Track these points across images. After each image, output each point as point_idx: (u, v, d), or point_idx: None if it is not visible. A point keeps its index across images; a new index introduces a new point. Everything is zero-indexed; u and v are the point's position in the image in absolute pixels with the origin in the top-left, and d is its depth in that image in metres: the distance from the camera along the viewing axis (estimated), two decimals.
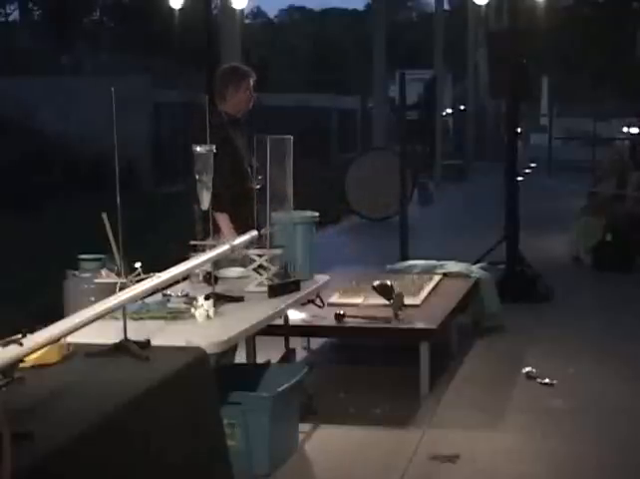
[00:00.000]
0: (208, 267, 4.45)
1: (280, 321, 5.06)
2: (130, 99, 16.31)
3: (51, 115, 20.56)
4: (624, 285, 9.24)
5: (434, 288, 6.68)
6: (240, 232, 4.90)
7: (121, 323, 3.49)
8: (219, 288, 4.50)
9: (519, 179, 9.52)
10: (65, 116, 20.71)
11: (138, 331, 3.62)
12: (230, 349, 4.65)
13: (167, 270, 3.79)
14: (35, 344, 2.86)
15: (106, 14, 39.14)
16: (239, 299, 4.44)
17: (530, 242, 10.19)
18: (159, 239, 10.46)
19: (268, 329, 4.51)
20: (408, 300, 6.07)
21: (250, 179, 5.28)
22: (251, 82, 5.60)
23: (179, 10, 19.06)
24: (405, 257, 8.92)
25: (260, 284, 4.69)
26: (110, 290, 3.47)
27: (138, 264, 3.57)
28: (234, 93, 5.56)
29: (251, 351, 5.43)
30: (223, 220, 5.26)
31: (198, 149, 4.30)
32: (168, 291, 4.41)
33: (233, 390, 4.28)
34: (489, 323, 7.32)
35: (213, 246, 4.37)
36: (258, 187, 5.06)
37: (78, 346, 3.43)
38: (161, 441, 3.09)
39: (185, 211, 5.42)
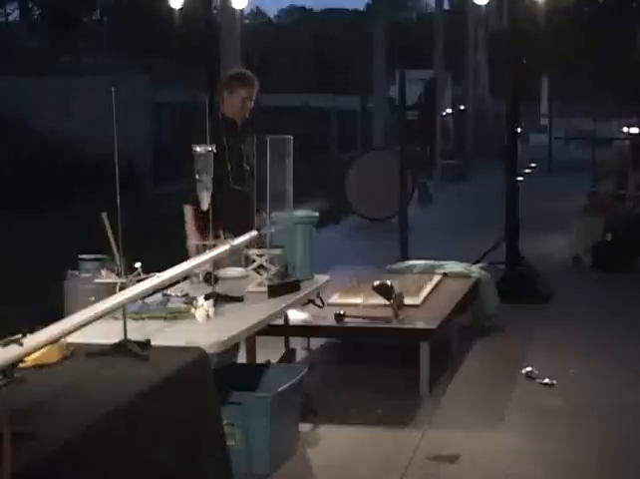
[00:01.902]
0: (208, 267, 4.46)
1: (280, 321, 5.06)
2: (129, 99, 16.30)
3: (51, 115, 20.53)
4: (624, 285, 9.24)
5: (434, 288, 6.68)
6: (231, 232, 5.02)
7: (121, 323, 3.49)
8: (219, 288, 4.50)
9: (519, 179, 9.52)
10: (65, 116, 20.69)
11: (138, 331, 3.62)
12: (232, 349, 4.66)
13: (167, 270, 3.79)
14: (35, 344, 2.86)
15: (106, 14, 39.14)
16: (239, 299, 4.45)
17: (530, 243, 10.19)
18: (158, 240, 10.46)
19: (268, 329, 4.51)
20: (408, 300, 6.07)
21: (232, 181, 5.36)
22: (247, 91, 5.61)
23: (179, 10, 19.04)
24: (405, 257, 8.91)
25: (260, 284, 4.70)
26: (110, 290, 3.47)
27: (138, 264, 3.57)
28: (229, 97, 5.64)
29: (251, 351, 5.44)
30: (187, 211, 5.43)
31: (198, 149, 4.31)
32: (168, 291, 4.41)
33: (233, 390, 4.28)
34: (489, 323, 7.32)
35: (213, 246, 4.37)
36: (240, 189, 5.16)
37: (78, 346, 3.43)
38: (161, 441, 3.09)
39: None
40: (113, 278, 3.61)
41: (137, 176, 18.99)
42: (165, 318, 4.05)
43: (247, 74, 5.77)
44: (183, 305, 4.21)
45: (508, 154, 9.29)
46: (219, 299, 4.28)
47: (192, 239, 5.31)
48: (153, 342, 3.54)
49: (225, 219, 5.09)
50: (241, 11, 13.44)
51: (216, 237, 4.63)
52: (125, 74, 23.24)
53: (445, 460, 4.67)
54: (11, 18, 38.00)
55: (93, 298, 3.56)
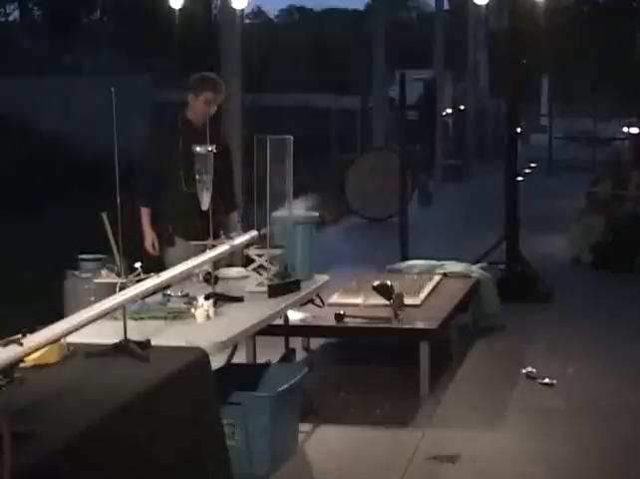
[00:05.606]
0: (208, 267, 4.46)
1: (280, 321, 5.06)
2: (130, 99, 16.28)
3: (51, 115, 20.53)
4: (624, 285, 9.23)
5: (434, 288, 6.68)
6: (180, 234, 5.41)
7: (121, 323, 3.49)
8: (219, 288, 4.50)
9: (519, 179, 9.51)
10: (65, 116, 20.69)
11: (138, 331, 3.63)
12: None
13: (167, 270, 3.79)
14: (35, 344, 2.86)
15: (106, 14, 39.13)
16: (239, 299, 4.45)
17: (530, 243, 10.18)
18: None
19: (268, 329, 4.52)
20: (408, 300, 6.07)
21: (185, 185, 5.36)
22: (213, 94, 5.61)
23: (179, 10, 19.04)
24: (405, 257, 8.91)
25: (260, 284, 4.70)
26: (110, 290, 3.47)
27: (138, 264, 3.58)
28: (193, 100, 5.66)
29: (251, 351, 5.44)
30: (144, 213, 5.70)
31: (198, 149, 4.31)
32: (168, 291, 4.42)
33: (233, 390, 4.28)
34: (489, 323, 7.31)
35: (213, 247, 4.38)
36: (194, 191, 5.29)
37: (78, 346, 3.43)
38: (161, 441, 3.09)
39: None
40: (113, 278, 3.61)
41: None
42: (166, 318, 4.05)
43: (214, 77, 5.78)
44: (183, 305, 4.21)
45: (508, 154, 9.29)
46: (219, 299, 4.28)
47: (149, 239, 5.65)
48: (153, 342, 3.54)
49: (176, 221, 5.50)
50: (241, 11, 13.42)
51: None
52: (125, 74, 23.20)
53: (445, 460, 4.67)
54: (11, 18, 37.98)
55: (93, 298, 3.57)
